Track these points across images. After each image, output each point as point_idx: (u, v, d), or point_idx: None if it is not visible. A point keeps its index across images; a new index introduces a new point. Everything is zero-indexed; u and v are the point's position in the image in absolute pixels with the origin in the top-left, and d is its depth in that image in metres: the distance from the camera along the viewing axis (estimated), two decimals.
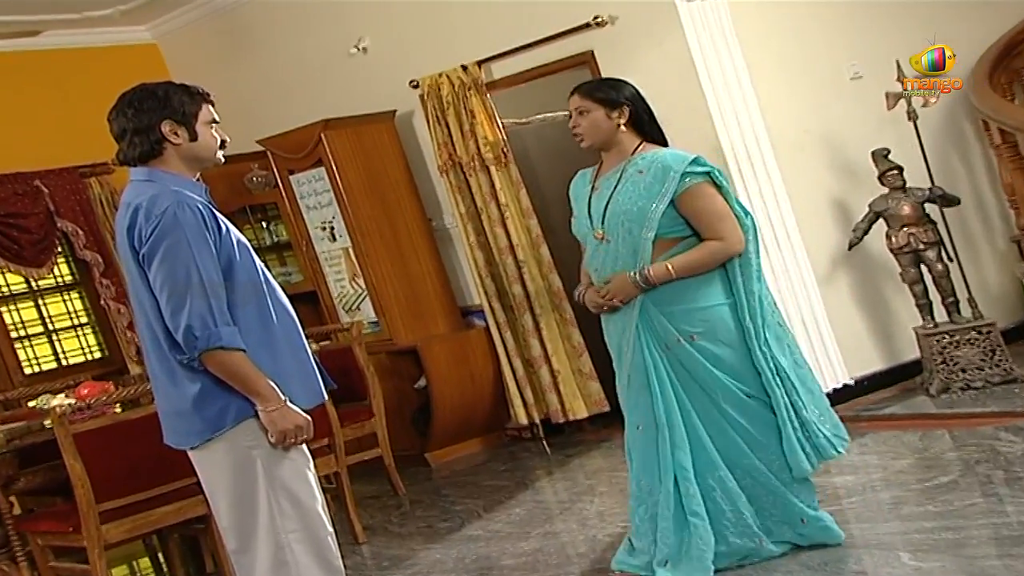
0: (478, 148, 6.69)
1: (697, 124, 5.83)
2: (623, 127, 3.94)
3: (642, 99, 4.00)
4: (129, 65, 7.78)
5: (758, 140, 5.93)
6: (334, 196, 7.00)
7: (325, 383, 3.40)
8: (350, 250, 7.07)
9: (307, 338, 3.40)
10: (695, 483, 3.85)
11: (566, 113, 7.59)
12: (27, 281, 7.61)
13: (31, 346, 7.62)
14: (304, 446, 3.31)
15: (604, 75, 6.10)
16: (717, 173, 3.90)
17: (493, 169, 6.69)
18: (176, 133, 3.23)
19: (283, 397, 3.19)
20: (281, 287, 3.38)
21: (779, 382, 3.87)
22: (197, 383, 3.16)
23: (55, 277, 7.75)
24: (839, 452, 3.94)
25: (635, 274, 3.84)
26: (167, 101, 3.22)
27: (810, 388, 3.96)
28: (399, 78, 6.98)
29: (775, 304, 4.01)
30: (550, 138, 7.21)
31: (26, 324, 7.63)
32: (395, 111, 7.16)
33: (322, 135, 6.89)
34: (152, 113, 3.21)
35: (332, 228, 7.14)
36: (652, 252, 3.84)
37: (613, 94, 3.96)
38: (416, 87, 6.88)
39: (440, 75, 6.73)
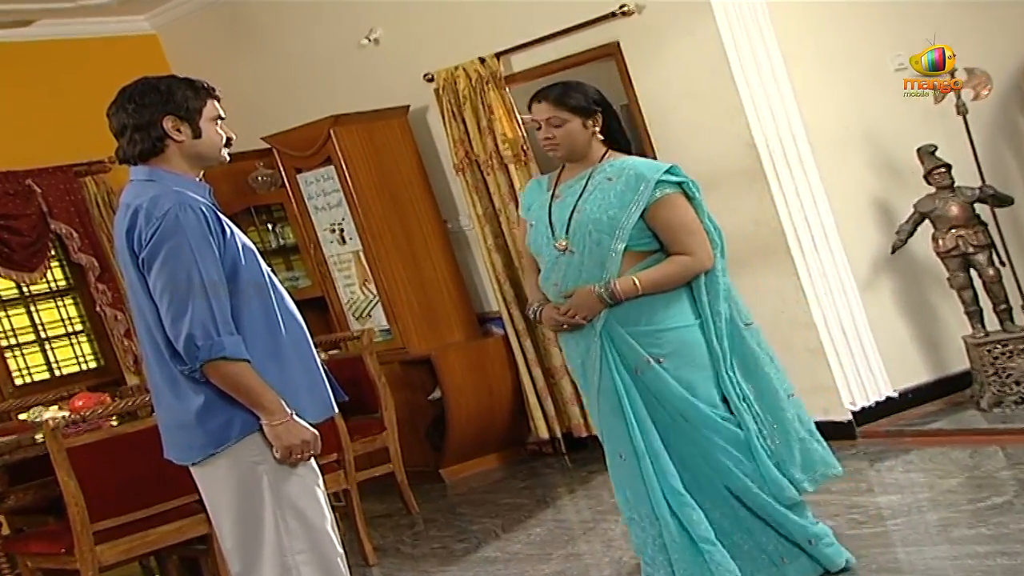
0: (496, 145, 6.69)
1: (729, 119, 5.81)
2: (594, 134, 3.93)
3: (607, 102, 3.99)
4: (127, 57, 7.80)
5: (795, 136, 5.90)
6: (344, 196, 7.01)
7: (335, 395, 3.40)
8: (361, 253, 7.07)
9: (315, 347, 3.39)
10: (696, 508, 3.83)
11: None
12: (18, 286, 7.63)
13: (22, 355, 7.64)
14: (313, 461, 3.30)
15: (632, 68, 6.11)
16: (691, 184, 3.89)
17: (512, 168, 6.69)
18: (179, 130, 3.23)
19: (289, 410, 3.18)
20: (288, 293, 3.38)
21: (746, 407, 3.88)
22: (201, 395, 3.16)
23: (48, 282, 7.77)
24: (807, 489, 3.92)
25: (600, 288, 3.80)
26: (170, 96, 3.22)
27: (779, 415, 3.92)
28: (413, 71, 6.98)
29: (740, 307, 3.97)
30: None
31: (17, 332, 7.66)
32: (408, 106, 7.16)
33: (331, 132, 6.90)
34: (154, 108, 3.21)
35: (342, 230, 7.15)
36: (620, 266, 3.82)
37: (584, 101, 3.91)
38: (431, 81, 6.88)
39: (456, 68, 6.72)
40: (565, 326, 3.89)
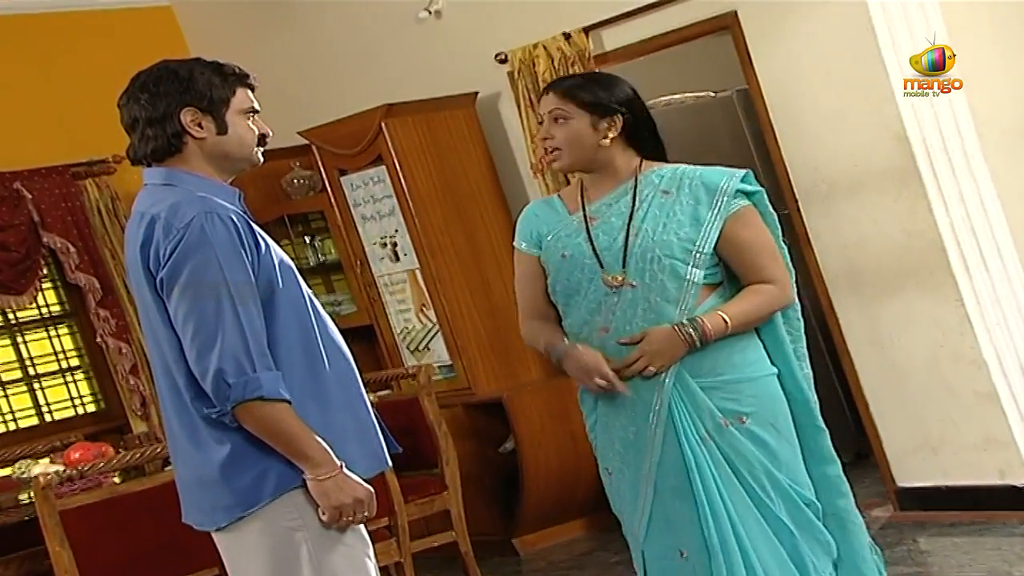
0: None
1: (876, 106, 5.73)
2: (609, 141, 3.75)
3: (641, 104, 3.81)
4: (135, 34, 7.89)
5: (959, 127, 5.82)
6: (397, 203, 7.02)
7: (388, 445, 3.40)
8: (417, 273, 7.08)
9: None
10: None
11: (698, 94, 7.56)
12: (3, 312, 7.71)
13: (6, 396, 7.71)
14: (363, 527, 3.29)
15: (752, 43, 6.06)
16: (765, 197, 3.80)
17: None
18: (200, 124, 3.26)
19: (339, 461, 3.19)
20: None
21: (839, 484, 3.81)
22: (226, 444, 3.16)
23: (39, 307, 7.85)
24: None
25: (688, 327, 3.61)
26: (190, 83, 3.25)
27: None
28: (482, 50, 6.99)
29: None
30: (679, 127, 7.15)
31: (0, 368, 7.72)
32: (476, 93, 7.18)
33: (382, 124, 6.92)
34: (170, 98, 3.24)
35: (394, 244, 7.16)
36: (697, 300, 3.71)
37: (604, 96, 3.75)
38: (504, 62, 6.88)
39: (535, 46, 6.72)
40: (613, 385, 3.65)
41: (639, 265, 3.67)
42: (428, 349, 7.16)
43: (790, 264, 3.82)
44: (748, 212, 3.73)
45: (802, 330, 3.82)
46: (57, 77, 7.91)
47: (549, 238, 3.82)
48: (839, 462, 3.84)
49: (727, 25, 6.17)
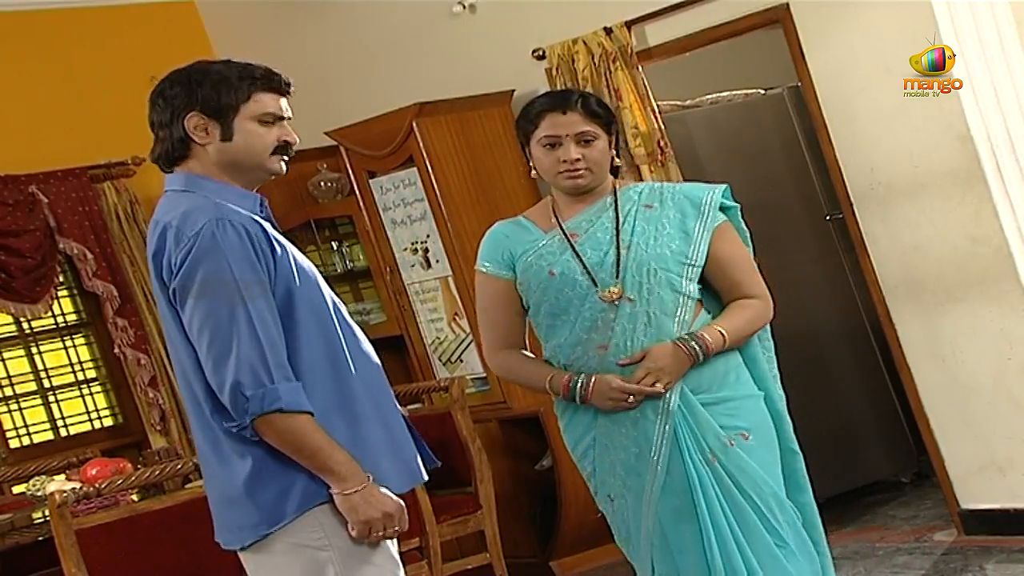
0: (626, 140, 6.63)
1: (937, 104, 5.70)
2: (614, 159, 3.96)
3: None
4: (156, 31, 7.87)
5: None
6: (429, 207, 7.03)
7: (424, 459, 3.43)
8: (450, 280, 7.08)
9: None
10: None
11: (748, 92, 7.54)
12: (17, 321, 7.72)
13: (20, 410, 7.72)
14: (392, 545, 3.31)
15: (805, 37, 6.06)
16: (741, 213, 3.95)
17: (645, 169, 6.65)
18: (206, 130, 3.30)
19: (366, 474, 3.20)
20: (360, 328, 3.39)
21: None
22: (247, 459, 3.19)
23: (54, 316, 7.87)
24: None
25: (690, 342, 3.73)
26: (198, 88, 3.29)
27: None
28: (519, 46, 6.99)
29: None
30: (727, 127, 7.18)
31: (14, 380, 7.74)
32: (513, 91, 7.18)
33: (414, 124, 6.92)
34: (177, 102, 3.29)
35: (426, 250, 7.16)
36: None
37: (610, 116, 3.94)
38: (542, 58, 6.88)
39: (575, 42, 6.72)
40: (631, 401, 3.73)
41: (635, 278, 3.77)
42: (461, 360, 7.15)
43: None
44: (728, 227, 3.90)
45: (774, 350, 3.95)
46: (74, 75, 7.93)
47: (527, 258, 3.89)
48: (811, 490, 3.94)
49: (778, 18, 6.15)
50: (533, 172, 3.95)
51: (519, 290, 3.91)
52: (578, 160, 3.81)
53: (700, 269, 3.80)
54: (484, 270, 3.98)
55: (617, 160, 3.93)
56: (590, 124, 3.84)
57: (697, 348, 3.71)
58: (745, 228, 3.95)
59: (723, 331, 3.75)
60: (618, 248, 3.80)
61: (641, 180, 6.60)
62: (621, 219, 3.84)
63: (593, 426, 3.84)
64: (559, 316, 3.84)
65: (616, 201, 3.88)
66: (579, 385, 3.77)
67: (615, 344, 3.76)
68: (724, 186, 3.90)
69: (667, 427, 3.72)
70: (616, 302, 3.77)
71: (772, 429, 3.83)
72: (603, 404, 3.75)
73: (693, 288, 3.79)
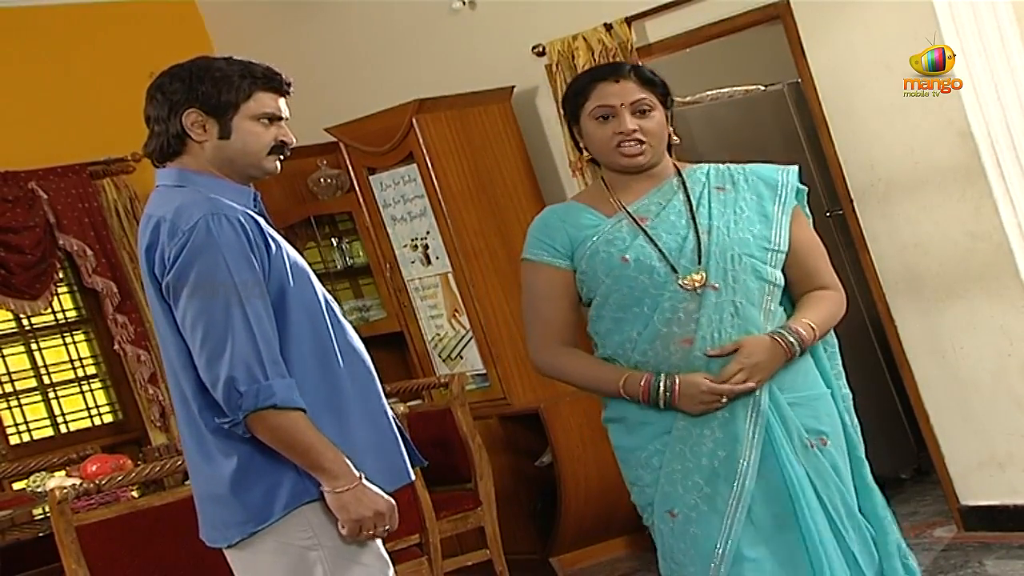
0: None
1: (938, 99, 5.68)
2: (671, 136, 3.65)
3: None
4: (155, 27, 7.87)
5: None
6: (429, 203, 7.03)
7: (411, 458, 3.40)
8: (450, 276, 7.09)
9: (389, 396, 3.43)
10: None
11: (748, 88, 7.53)
12: (16, 318, 7.74)
13: (20, 406, 7.73)
14: (382, 545, 3.30)
15: (805, 33, 6.05)
16: (807, 196, 3.70)
17: None
18: (203, 127, 3.29)
19: (358, 473, 3.20)
20: (354, 326, 3.39)
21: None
22: (233, 456, 3.19)
23: (54, 313, 7.87)
24: None
25: (786, 336, 3.45)
26: (198, 84, 3.28)
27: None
28: (518, 42, 6.99)
29: None
30: (726, 123, 7.16)
31: (13, 377, 7.75)
32: (513, 87, 7.18)
33: (413, 120, 6.92)
34: (175, 97, 3.29)
35: (426, 247, 7.17)
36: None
37: (665, 85, 3.61)
38: (542, 55, 6.88)
39: (575, 38, 6.72)
40: (721, 402, 3.42)
41: (719, 265, 3.47)
42: (461, 357, 7.16)
43: None
44: (800, 211, 3.63)
45: (837, 346, 3.70)
46: (74, 71, 7.93)
47: (592, 244, 3.54)
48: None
49: (778, 14, 6.15)
50: (585, 153, 3.62)
51: (578, 280, 3.57)
52: (635, 131, 3.49)
53: (784, 255, 3.52)
54: (536, 258, 3.59)
55: (675, 137, 3.61)
56: (645, 92, 3.52)
57: (794, 342, 3.45)
58: (810, 213, 3.69)
59: (812, 324, 3.50)
60: (697, 232, 3.49)
61: None
62: (694, 202, 3.54)
63: (669, 430, 3.48)
64: (631, 308, 3.50)
65: (684, 182, 3.58)
66: (661, 387, 3.43)
67: (701, 337, 3.43)
68: (795, 167, 3.65)
69: (759, 428, 3.44)
70: (699, 290, 3.44)
71: (840, 426, 3.56)
72: (692, 408, 3.42)
73: (778, 275, 3.51)
